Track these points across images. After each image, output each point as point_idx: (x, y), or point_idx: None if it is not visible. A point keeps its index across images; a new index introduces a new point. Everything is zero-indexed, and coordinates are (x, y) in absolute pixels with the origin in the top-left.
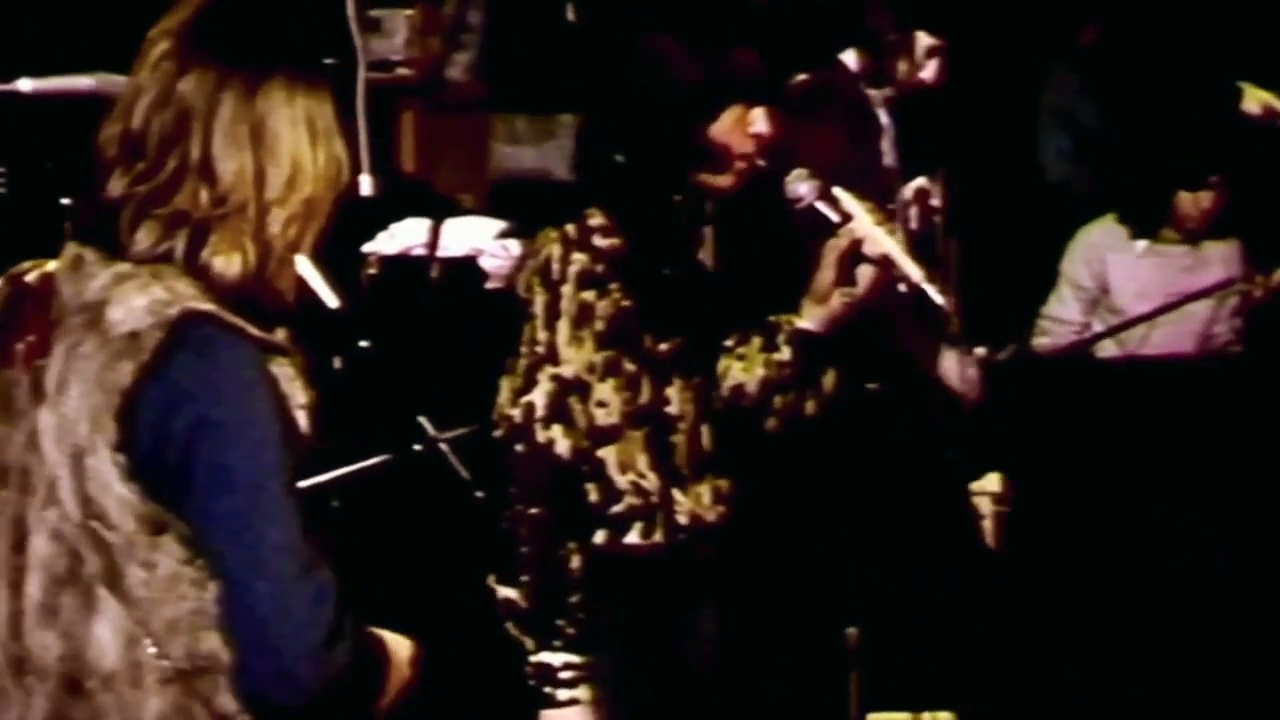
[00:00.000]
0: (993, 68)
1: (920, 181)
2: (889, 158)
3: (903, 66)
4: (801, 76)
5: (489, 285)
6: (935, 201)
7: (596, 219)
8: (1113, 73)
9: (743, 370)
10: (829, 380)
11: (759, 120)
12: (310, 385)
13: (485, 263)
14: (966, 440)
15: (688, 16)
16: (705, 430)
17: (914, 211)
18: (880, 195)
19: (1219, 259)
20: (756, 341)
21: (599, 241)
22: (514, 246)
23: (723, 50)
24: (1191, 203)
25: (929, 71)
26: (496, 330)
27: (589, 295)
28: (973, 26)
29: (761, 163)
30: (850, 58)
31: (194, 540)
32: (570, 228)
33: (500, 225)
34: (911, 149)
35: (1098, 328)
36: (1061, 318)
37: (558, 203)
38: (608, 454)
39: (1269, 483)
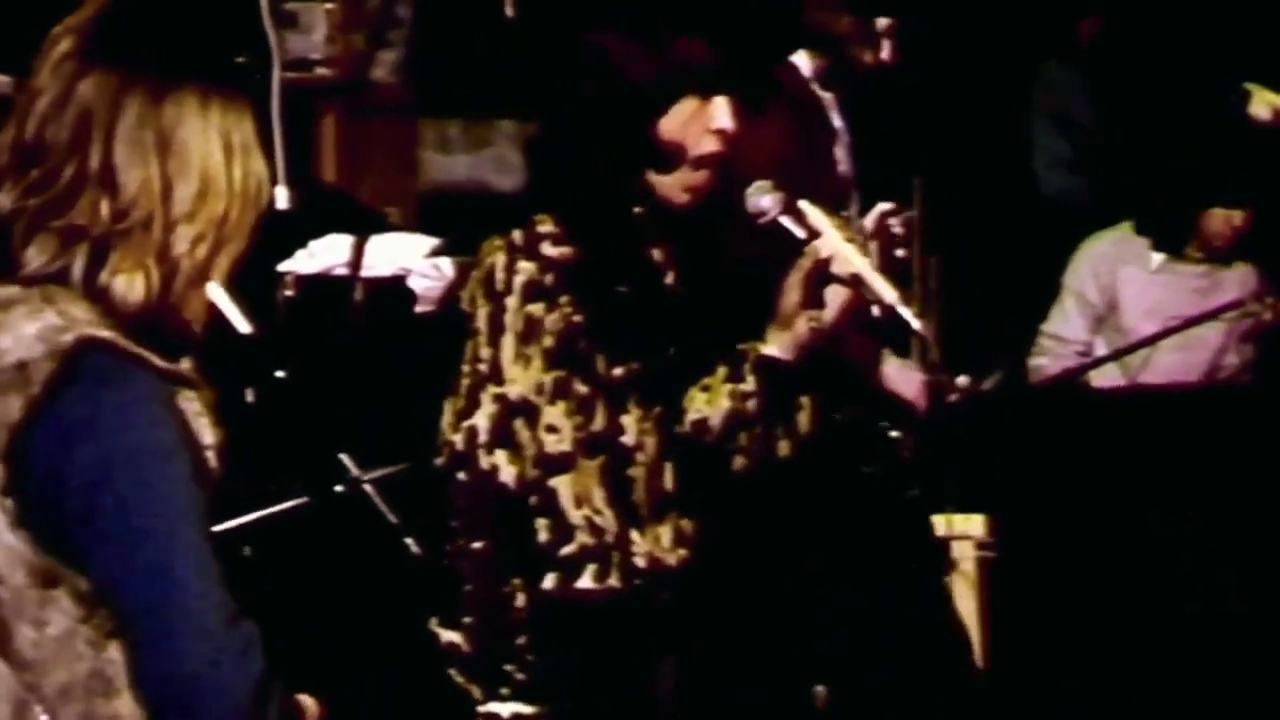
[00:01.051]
0: (980, 63)
1: (884, 207)
2: (844, 165)
3: (861, 53)
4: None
5: (419, 308)
6: (898, 228)
7: (546, 226)
8: (1115, 71)
9: (706, 402)
10: (804, 417)
11: (719, 113)
12: (219, 421)
13: (414, 283)
14: (929, 474)
15: (633, 8)
16: (667, 466)
17: (874, 246)
18: (835, 206)
19: (1235, 282)
20: (721, 371)
21: (548, 250)
22: (446, 265)
23: (672, 42)
24: (1224, 220)
25: (885, 52)
26: (427, 358)
27: (536, 308)
28: (959, 18)
29: (723, 161)
30: (801, 58)
31: (90, 595)
32: (517, 235)
33: (431, 242)
34: (885, 155)
35: (1099, 349)
36: (1064, 335)
37: (495, 216)
38: (561, 485)
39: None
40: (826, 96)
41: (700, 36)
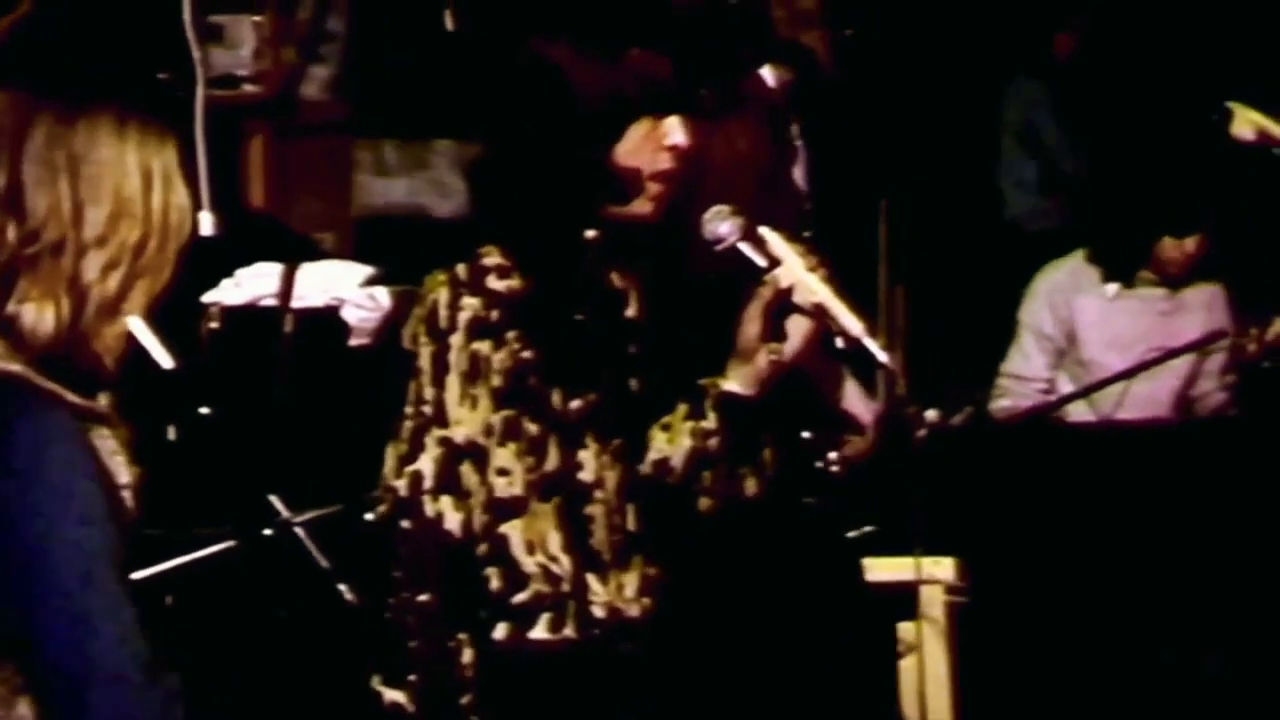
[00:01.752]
0: (947, 82)
1: None
2: (803, 186)
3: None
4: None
5: (353, 341)
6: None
7: (492, 258)
8: (1088, 90)
9: (667, 441)
10: (769, 453)
11: (673, 131)
12: (137, 460)
13: (348, 315)
14: (893, 514)
15: (583, 20)
16: (630, 507)
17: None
18: (794, 229)
19: (1200, 304)
20: (681, 408)
21: (494, 283)
22: (382, 296)
23: (624, 56)
24: (1175, 246)
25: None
26: (362, 393)
27: (482, 346)
28: (925, 32)
29: (678, 182)
30: (767, 72)
31: None
32: (461, 268)
33: (366, 270)
34: (847, 176)
35: (1063, 384)
36: (1023, 374)
37: (434, 242)
38: (512, 531)
39: (1269, 574)
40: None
41: (656, 50)
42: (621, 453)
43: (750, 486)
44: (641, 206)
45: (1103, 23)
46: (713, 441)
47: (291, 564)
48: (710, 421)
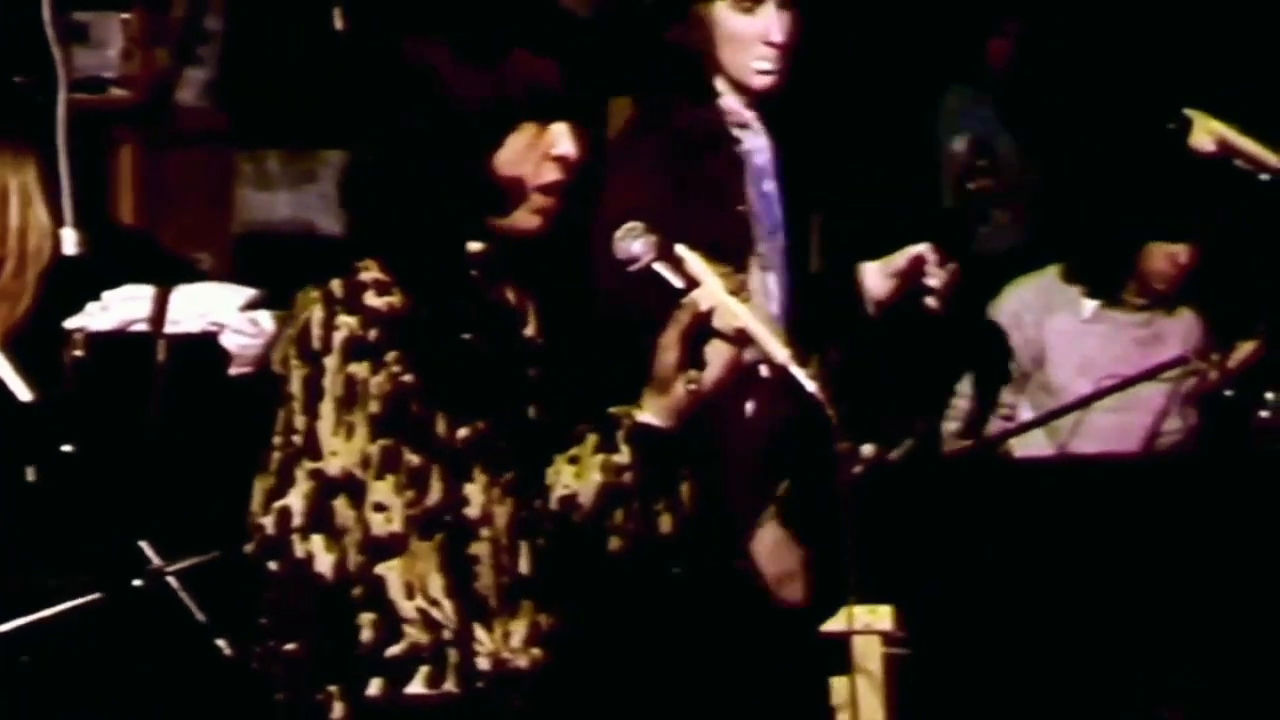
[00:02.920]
0: (885, 90)
1: (918, 249)
2: (753, 202)
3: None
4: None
5: (233, 370)
6: (935, 280)
7: (369, 273)
8: (1029, 96)
9: (575, 476)
10: (687, 489)
11: (560, 140)
12: None
13: (228, 341)
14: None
15: (461, 20)
16: (521, 544)
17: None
18: (736, 248)
19: (1180, 333)
20: (591, 440)
21: (372, 300)
22: (265, 320)
23: (506, 59)
24: (1165, 257)
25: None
26: (243, 428)
27: (359, 369)
28: (863, 38)
29: (566, 194)
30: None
31: None
32: (336, 284)
33: (247, 293)
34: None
35: (1024, 410)
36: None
37: (322, 262)
38: (389, 573)
39: (1232, 621)
40: (746, 120)
41: (544, 53)
42: (513, 487)
43: (665, 525)
44: (526, 220)
45: (1039, 26)
46: (626, 476)
47: (164, 618)
48: (623, 455)
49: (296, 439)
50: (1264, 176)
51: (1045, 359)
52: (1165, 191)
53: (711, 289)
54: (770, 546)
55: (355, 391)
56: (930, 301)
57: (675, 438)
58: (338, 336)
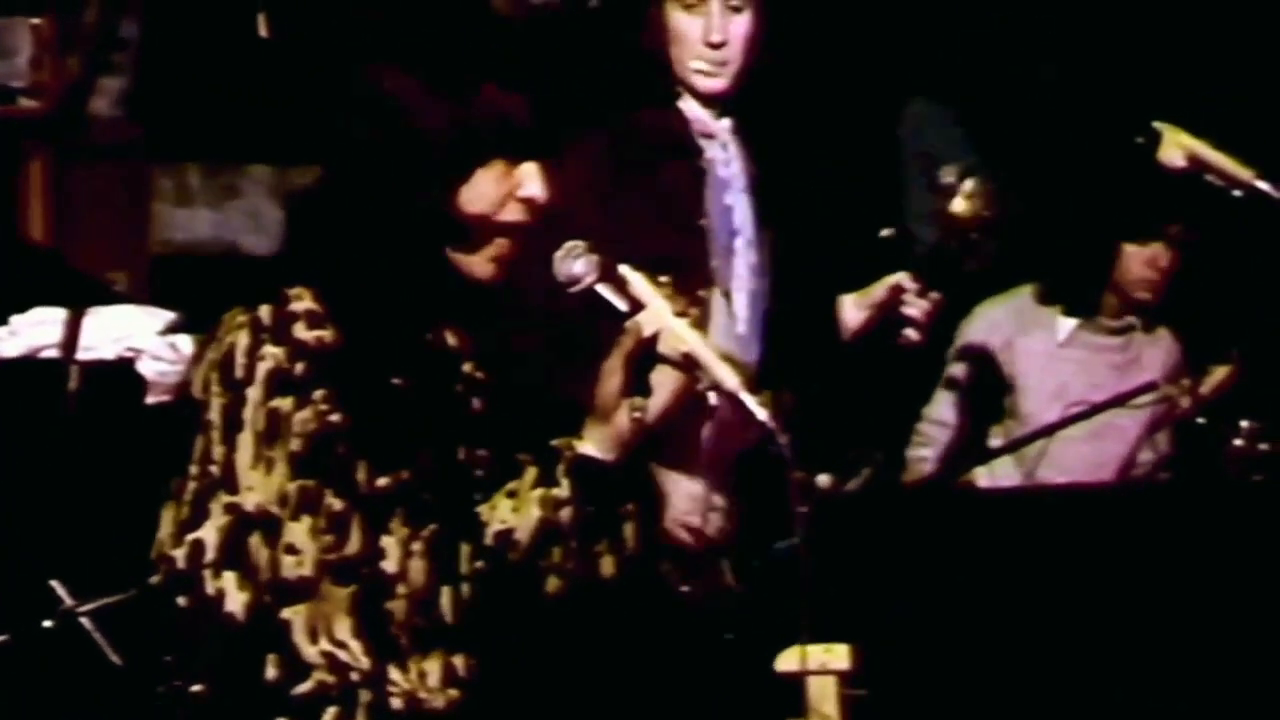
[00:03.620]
0: (842, 102)
1: (896, 278)
2: (715, 219)
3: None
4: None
5: (150, 398)
6: (915, 310)
7: (302, 302)
8: (988, 107)
9: (513, 511)
10: (630, 526)
11: (529, 180)
12: None
13: (145, 368)
14: (777, 595)
15: (429, 44)
16: (442, 595)
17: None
18: (695, 275)
19: (1159, 358)
20: (531, 473)
21: (302, 333)
22: (185, 345)
23: (475, 92)
24: (1144, 262)
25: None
26: (161, 460)
27: (283, 403)
28: (817, 49)
29: (529, 237)
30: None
31: None
32: (264, 311)
33: (166, 316)
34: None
35: (994, 439)
36: (950, 421)
37: (245, 284)
38: (294, 616)
39: (1204, 660)
40: (711, 130)
41: (515, 88)
42: (435, 541)
43: (606, 566)
44: (483, 265)
45: (998, 35)
46: (565, 512)
47: (77, 659)
48: (563, 489)
49: (214, 469)
50: (1237, 193)
51: (1016, 385)
52: (1134, 192)
53: (657, 311)
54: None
55: (277, 426)
56: (910, 333)
57: (618, 471)
58: (262, 367)
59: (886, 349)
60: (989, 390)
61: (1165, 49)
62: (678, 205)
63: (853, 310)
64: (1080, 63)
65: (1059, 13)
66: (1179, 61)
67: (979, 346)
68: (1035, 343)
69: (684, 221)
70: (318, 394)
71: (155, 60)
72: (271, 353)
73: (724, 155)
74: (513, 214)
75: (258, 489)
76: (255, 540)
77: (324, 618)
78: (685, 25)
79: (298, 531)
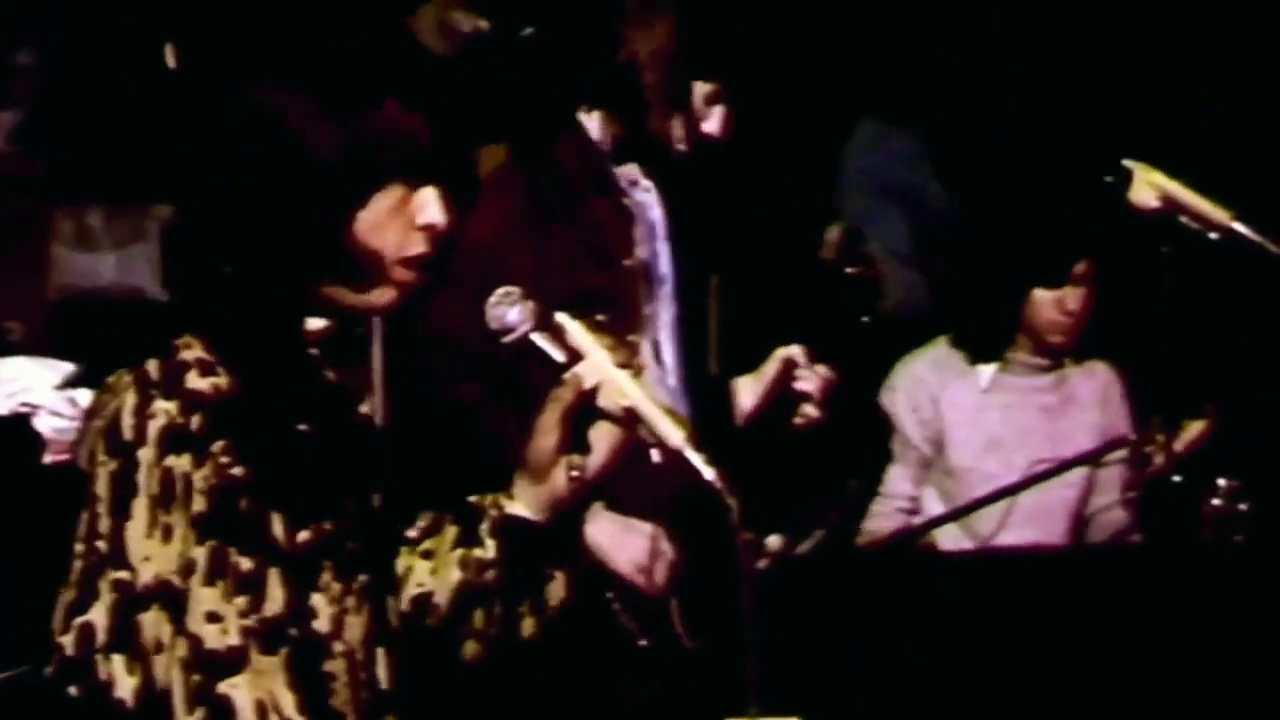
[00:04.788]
0: (788, 131)
1: (788, 352)
2: (641, 258)
3: (676, 124)
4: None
5: (48, 457)
6: (810, 385)
7: (191, 351)
8: (950, 138)
9: (431, 573)
10: (555, 588)
11: (428, 206)
12: None
13: (42, 424)
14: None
15: (324, 64)
16: (380, 656)
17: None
18: (625, 319)
19: (1092, 399)
20: (450, 533)
21: (195, 383)
22: (86, 400)
23: (370, 111)
24: (1053, 305)
25: (712, 123)
26: (58, 523)
27: (179, 461)
28: (762, 75)
29: (430, 268)
30: (592, 122)
31: None
32: (152, 365)
33: (65, 368)
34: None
35: (930, 502)
36: (883, 491)
37: (152, 332)
38: (234, 691)
39: None
40: (626, 172)
41: (413, 107)
42: (368, 593)
43: (527, 628)
44: (380, 296)
45: (959, 58)
46: (489, 575)
47: None
48: (488, 550)
49: (100, 545)
50: (1213, 235)
51: (945, 442)
52: (1038, 235)
53: (597, 362)
54: (610, 537)
55: (175, 488)
56: (808, 409)
57: (548, 532)
58: (153, 425)
59: (785, 432)
60: (920, 452)
61: (1139, 84)
62: (601, 242)
63: (746, 394)
64: (1049, 94)
65: (1032, 42)
66: (1153, 98)
67: (904, 407)
68: (958, 394)
69: (608, 259)
70: (216, 446)
71: (54, 92)
72: (163, 408)
73: (650, 199)
74: (413, 246)
75: (154, 559)
76: (151, 617)
77: (267, 692)
78: None
79: (212, 598)
